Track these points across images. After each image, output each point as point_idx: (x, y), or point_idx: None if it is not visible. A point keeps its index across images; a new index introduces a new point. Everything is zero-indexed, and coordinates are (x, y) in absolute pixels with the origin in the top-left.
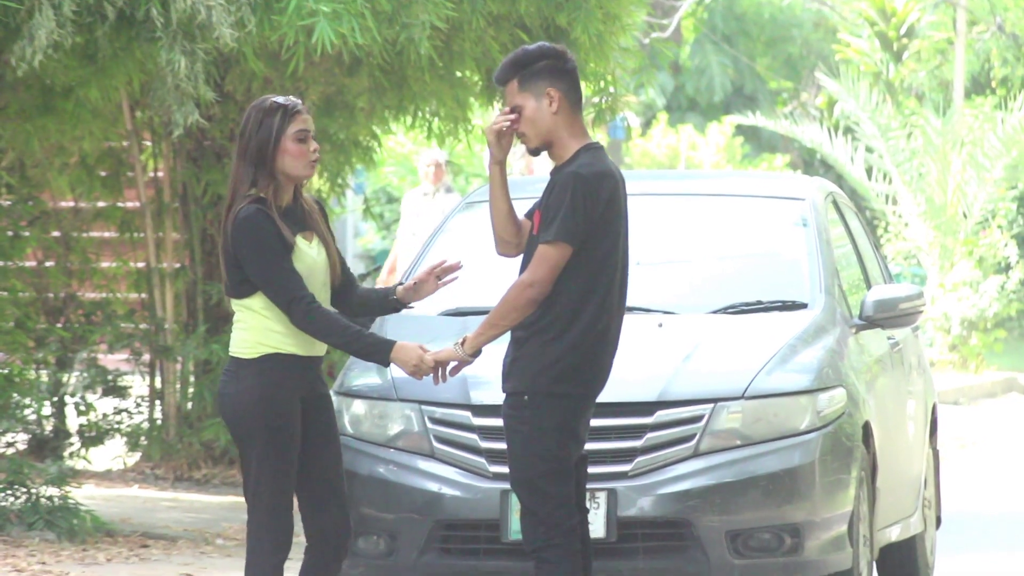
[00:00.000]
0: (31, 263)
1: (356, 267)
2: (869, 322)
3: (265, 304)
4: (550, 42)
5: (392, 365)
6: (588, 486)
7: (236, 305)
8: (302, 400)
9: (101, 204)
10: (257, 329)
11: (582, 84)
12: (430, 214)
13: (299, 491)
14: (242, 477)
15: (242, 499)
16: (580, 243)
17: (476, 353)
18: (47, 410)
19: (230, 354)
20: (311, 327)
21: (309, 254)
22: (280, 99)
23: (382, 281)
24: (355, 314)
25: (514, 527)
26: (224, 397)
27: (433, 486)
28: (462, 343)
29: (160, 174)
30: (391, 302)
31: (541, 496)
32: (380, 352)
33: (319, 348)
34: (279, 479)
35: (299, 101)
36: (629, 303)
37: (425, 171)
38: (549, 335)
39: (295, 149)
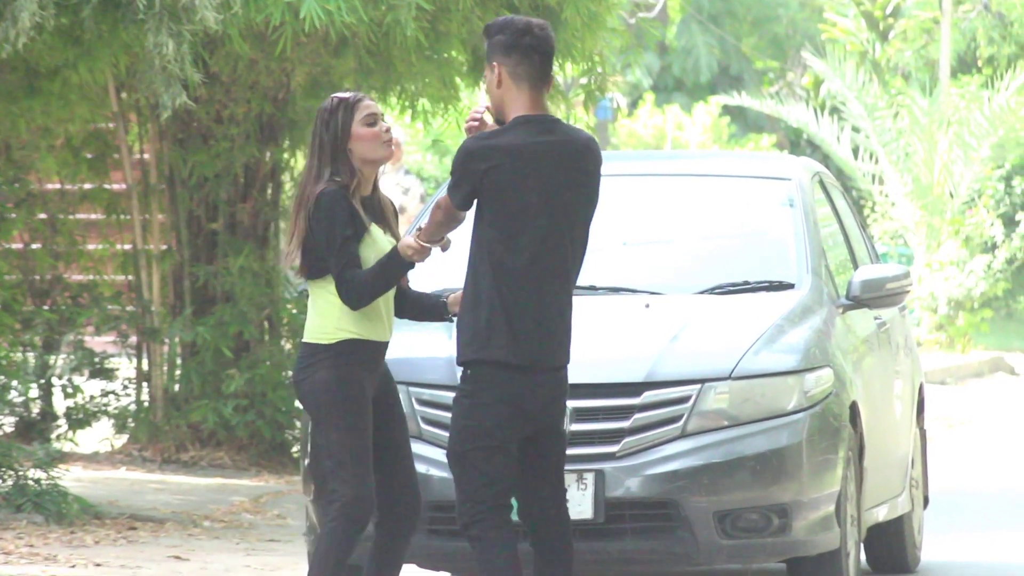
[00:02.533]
0: (17, 245)
1: None
2: (856, 302)
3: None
4: (539, 19)
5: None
6: (576, 467)
7: (313, 288)
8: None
9: (87, 186)
10: (333, 315)
11: (568, 65)
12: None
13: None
14: (310, 460)
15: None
16: (466, 208)
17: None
18: (34, 393)
19: (305, 340)
20: (354, 291)
21: (381, 243)
22: (342, 94)
23: None
24: (405, 315)
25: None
26: (303, 384)
27: (421, 467)
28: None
29: (146, 156)
30: (439, 308)
31: (471, 472)
32: (393, 259)
33: (388, 334)
34: (360, 459)
35: (360, 92)
36: (616, 283)
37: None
38: (476, 304)
39: (367, 133)
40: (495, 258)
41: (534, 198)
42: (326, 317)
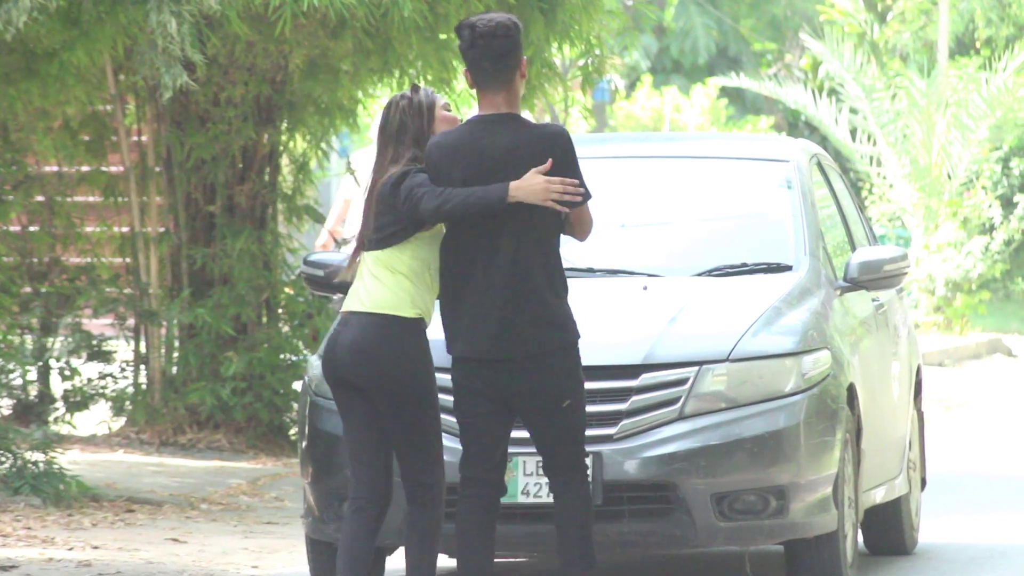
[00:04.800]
0: (15, 227)
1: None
2: (854, 284)
3: (409, 268)
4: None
5: None
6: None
7: (385, 261)
8: None
9: (85, 168)
10: (408, 291)
11: (566, 47)
12: None
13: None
14: (407, 431)
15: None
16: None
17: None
18: (32, 375)
19: (389, 312)
20: (441, 205)
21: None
22: (417, 86)
23: (330, 228)
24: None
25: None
26: (404, 357)
27: None
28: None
29: (144, 138)
30: None
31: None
32: (499, 191)
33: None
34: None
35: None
36: (614, 266)
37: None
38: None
39: (448, 116)
40: (443, 256)
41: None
42: (404, 291)
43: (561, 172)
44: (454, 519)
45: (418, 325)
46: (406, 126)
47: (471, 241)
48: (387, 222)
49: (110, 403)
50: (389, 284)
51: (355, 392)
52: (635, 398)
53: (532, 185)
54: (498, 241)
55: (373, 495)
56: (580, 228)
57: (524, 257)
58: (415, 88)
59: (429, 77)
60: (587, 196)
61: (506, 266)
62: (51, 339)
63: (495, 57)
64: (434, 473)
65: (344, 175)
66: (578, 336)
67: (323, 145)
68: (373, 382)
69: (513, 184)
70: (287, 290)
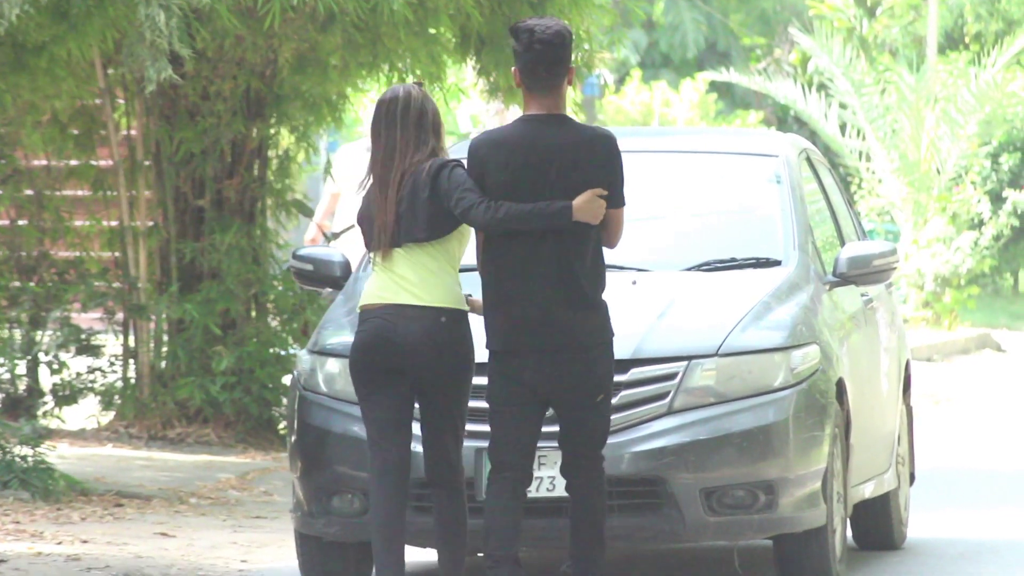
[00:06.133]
0: (4, 221)
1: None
2: (843, 279)
3: (454, 259)
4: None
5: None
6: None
7: (431, 255)
8: None
9: (74, 162)
10: (457, 283)
11: None
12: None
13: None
14: (452, 418)
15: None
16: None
17: None
18: (20, 369)
19: (447, 305)
20: (495, 216)
21: None
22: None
23: (318, 222)
24: None
25: (488, 486)
26: (463, 350)
27: (416, 446)
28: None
29: (133, 132)
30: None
31: (490, 439)
32: (563, 211)
33: None
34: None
35: None
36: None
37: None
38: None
39: None
40: (485, 250)
41: (515, 186)
42: (455, 285)
43: (606, 175)
44: (484, 507)
45: (467, 317)
46: (426, 112)
47: (514, 238)
48: (433, 213)
49: (99, 397)
50: (443, 277)
51: (393, 380)
52: (624, 393)
53: (593, 208)
54: (542, 238)
55: (398, 470)
56: (609, 234)
57: (568, 253)
58: (419, 83)
59: (418, 72)
60: (621, 203)
61: (552, 261)
62: (40, 333)
63: (550, 63)
64: (460, 461)
65: (334, 168)
66: (613, 334)
67: (309, 140)
68: (434, 372)
69: (576, 206)
70: (276, 285)
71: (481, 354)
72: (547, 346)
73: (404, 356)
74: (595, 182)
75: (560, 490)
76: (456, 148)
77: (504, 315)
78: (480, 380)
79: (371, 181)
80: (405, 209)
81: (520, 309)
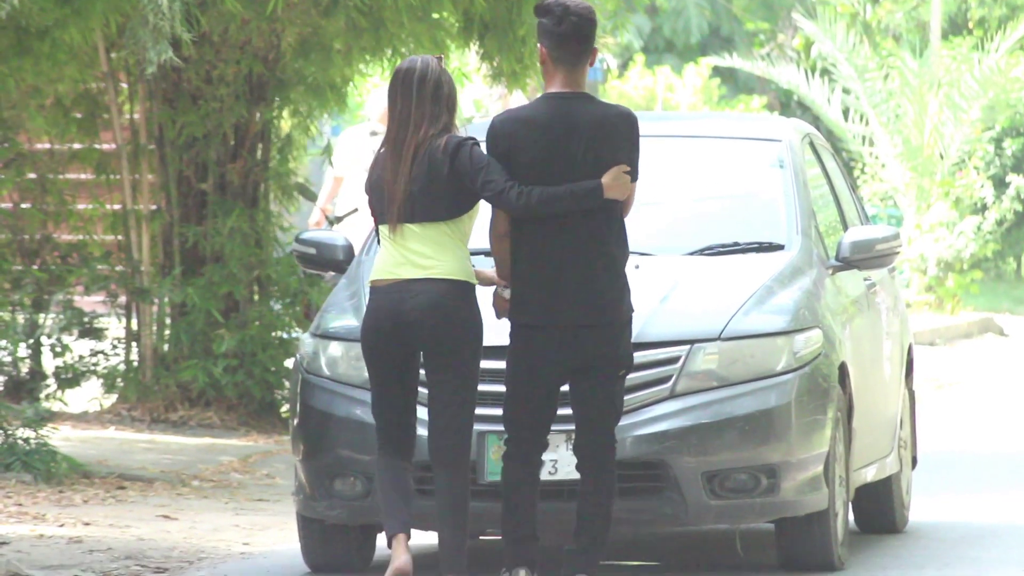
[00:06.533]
0: (7, 205)
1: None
2: (846, 263)
3: (465, 235)
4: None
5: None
6: (566, 427)
7: (445, 232)
8: None
9: (77, 146)
10: (468, 258)
11: None
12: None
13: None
14: (463, 389)
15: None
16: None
17: None
18: (23, 352)
19: (458, 279)
20: (529, 202)
21: None
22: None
23: (322, 206)
24: None
25: (491, 468)
26: (471, 322)
27: (421, 431)
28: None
29: (136, 116)
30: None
31: (505, 413)
32: (595, 191)
33: None
34: None
35: None
36: None
37: (382, 113)
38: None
39: None
40: (514, 225)
41: (544, 164)
42: (465, 259)
43: (629, 151)
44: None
45: (475, 291)
46: (442, 85)
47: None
48: (453, 192)
49: (101, 380)
50: (455, 251)
51: (404, 360)
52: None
53: (621, 185)
54: (573, 213)
55: (403, 445)
56: (626, 207)
57: (601, 227)
58: (439, 58)
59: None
60: (636, 177)
61: (585, 236)
62: (42, 316)
63: (583, 37)
64: (468, 441)
65: (336, 152)
66: (633, 310)
67: (312, 124)
68: (442, 344)
69: (606, 185)
70: (278, 268)
71: (491, 336)
72: (582, 320)
73: (411, 328)
74: (620, 158)
75: (562, 473)
76: (472, 127)
77: (539, 289)
78: (488, 364)
79: (383, 150)
80: (422, 187)
81: (557, 283)
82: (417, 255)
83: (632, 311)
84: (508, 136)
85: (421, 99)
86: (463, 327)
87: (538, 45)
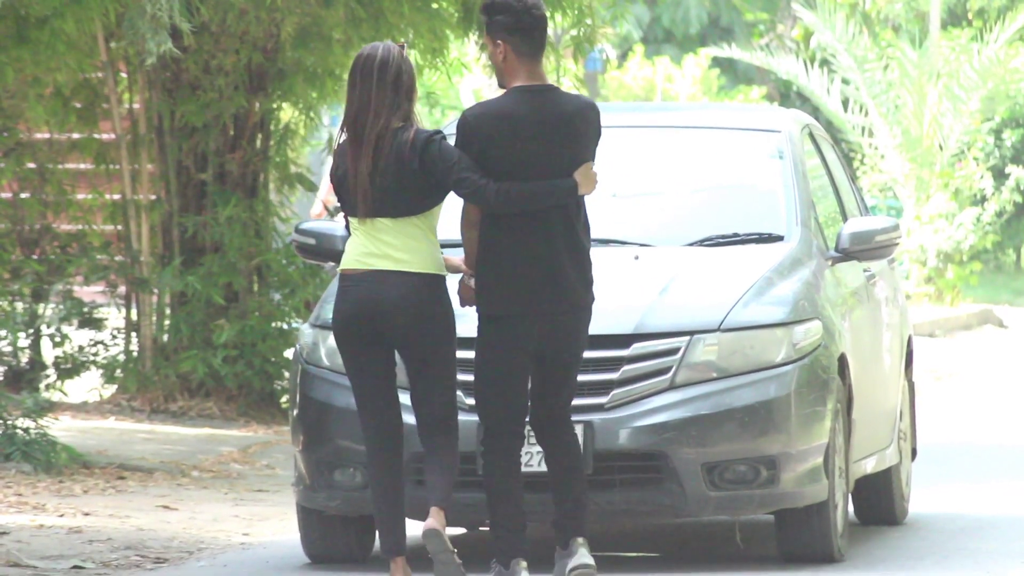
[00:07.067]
0: (6, 194)
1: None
2: (845, 254)
3: (433, 228)
4: None
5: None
6: None
7: (416, 224)
8: None
9: (76, 136)
10: (438, 249)
11: (558, 16)
12: None
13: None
14: (441, 375)
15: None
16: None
17: None
18: (23, 342)
19: (429, 271)
20: (508, 200)
21: None
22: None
23: (323, 198)
24: None
25: None
26: (445, 314)
27: (409, 419)
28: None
29: (135, 106)
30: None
31: (478, 402)
32: (572, 189)
33: None
34: None
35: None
36: (606, 235)
37: None
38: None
39: None
40: (484, 217)
41: (522, 158)
42: (435, 250)
43: (594, 141)
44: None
45: (446, 282)
46: (402, 74)
47: None
48: (423, 187)
49: (101, 370)
50: (425, 243)
51: (378, 347)
52: (626, 368)
53: (592, 180)
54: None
55: (391, 436)
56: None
57: (570, 216)
58: (402, 45)
59: (421, 47)
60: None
61: (557, 225)
62: (42, 306)
63: (544, 28)
64: (455, 415)
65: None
66: (594, 298)
67: (311, 114)
68: (417, 337)
69: (579, 181)
70: (278, 258)
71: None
72: (554, 308)
73: (386, 320)
74: (588, 150)
75: (539, 464)
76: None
77: (510, 279)
78: (464, 354)
79: (343, 138)
80: (391, 180)
81: (530, 273)
82: (391, 247)
83: (594, 298)
84: (484, 133)
85: (381, 86)
86: (436, 321)
87: (495, 43)
